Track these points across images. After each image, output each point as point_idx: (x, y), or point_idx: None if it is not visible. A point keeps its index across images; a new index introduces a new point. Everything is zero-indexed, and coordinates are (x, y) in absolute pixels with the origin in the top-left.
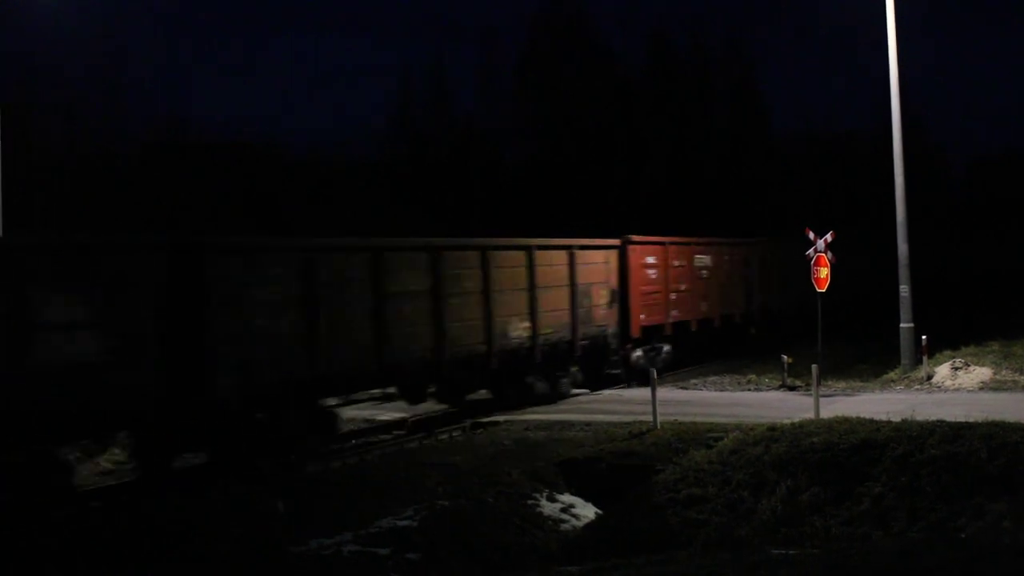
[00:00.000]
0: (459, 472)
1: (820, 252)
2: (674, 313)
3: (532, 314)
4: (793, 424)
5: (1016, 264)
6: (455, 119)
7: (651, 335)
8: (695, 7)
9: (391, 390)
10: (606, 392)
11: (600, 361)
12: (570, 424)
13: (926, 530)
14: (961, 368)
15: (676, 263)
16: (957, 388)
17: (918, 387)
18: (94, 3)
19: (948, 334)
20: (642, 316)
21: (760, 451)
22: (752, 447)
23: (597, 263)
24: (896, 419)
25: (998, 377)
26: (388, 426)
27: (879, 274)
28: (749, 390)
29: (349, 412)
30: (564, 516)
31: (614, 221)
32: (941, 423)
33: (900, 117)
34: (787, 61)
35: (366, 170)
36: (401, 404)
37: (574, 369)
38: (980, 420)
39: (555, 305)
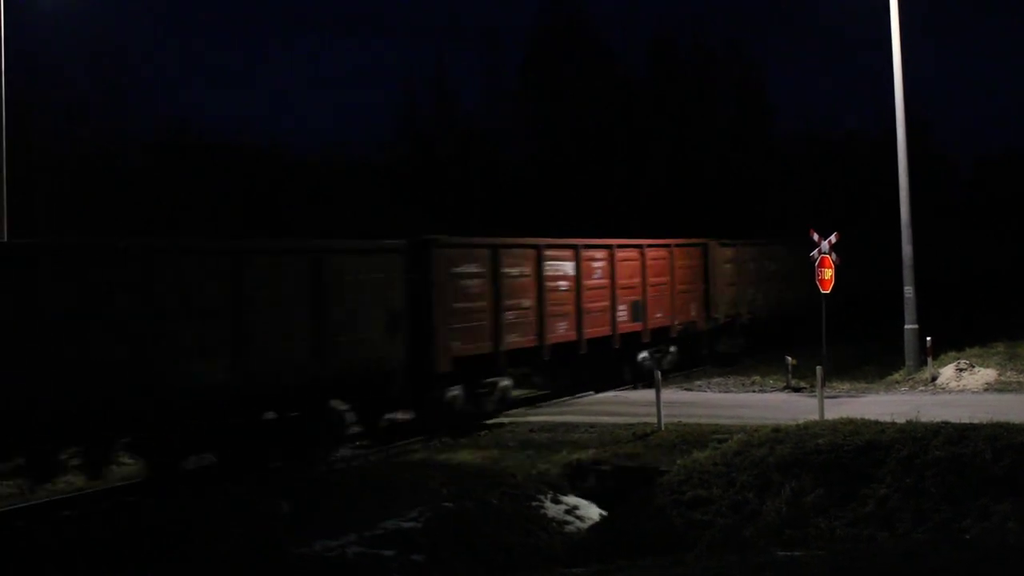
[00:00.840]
0: (463, 473)
1: (824, 253)
2: (512, 339)
3: (241, 346)
4: (798, 425)
5: (1019, 264)
6: (456, 119)
7: (476, 368)
8: (696, 7)
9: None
10: (609, 393)
11: (379, 404)
12: (575, 426)
13: (931, 531)
14: (966, 369)
15: (514, 272)
16: (962, 389)
17: (923, 388)
18: (96, 3)
19: (951, 335)
20: (456, 344)
21: (765, 452)
22: (757, 448)
23: (368, 276)
24: (901, 420)
25: (1003, 378)
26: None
27: (879, 274)
28: (753, 391)
29: None
30: (569, 518)
31: (614, 221)
32: (946, 424)
33: (904, 118)
34: (788, 61)
35: (367, 170)
36: None
37: (344, 410)
38: (985, 421)
39: (285, 332)
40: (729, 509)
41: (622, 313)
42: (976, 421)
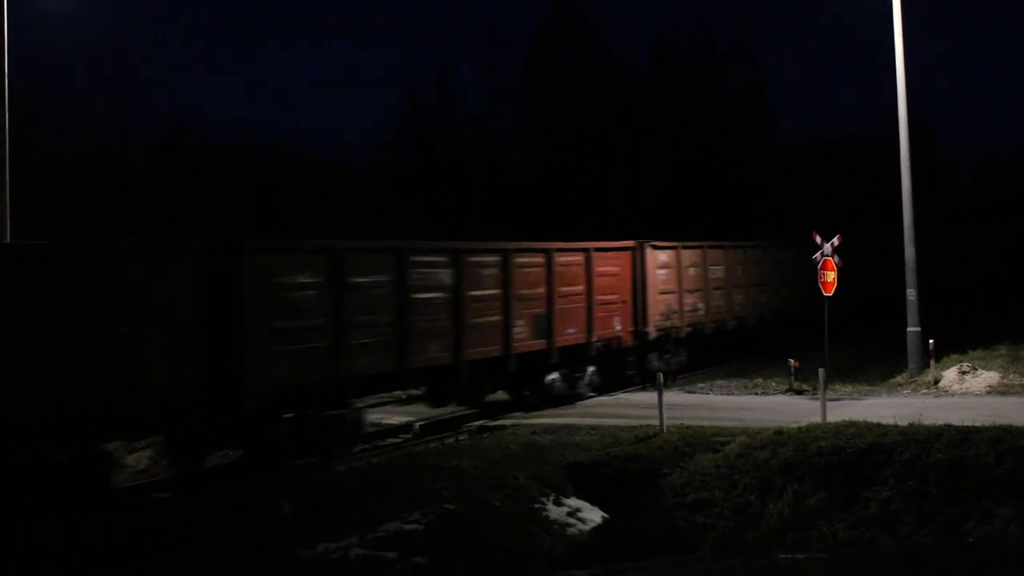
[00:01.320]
0: (465, 476)
1: (827, 256)
2: (361, 363)
3: None
4: (800, 428)
5: (1021, 265)
6: (457, 120)
7: (316, 398)
8: (697, 8)
9: None
10: (612, 396)
11: (191, 444)
12: (577, 428)
13: (933, 534)
14: (969, 372)
15: (365, 281)
16: (964, 392)
17: (925, 391)
18: (96, 3)
19: (953, 336)
20: (280, 370)
21: (767, 455)
22: (759, 451)
23: (144, 286)
24: (903, 423)
25: (1006, 381)
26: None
27: (879, 275)
28: (756, 394)
29: None
30: (571, 520)
31: (615, 221)
32: (948, 427)
33: (907, 119)
34: (789, 62)
35: (367, 170)
36: None
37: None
38: (987, 424)
39: (15, 355)
40: (731, 511)
41: (521, 329)
42: (979, 424)
